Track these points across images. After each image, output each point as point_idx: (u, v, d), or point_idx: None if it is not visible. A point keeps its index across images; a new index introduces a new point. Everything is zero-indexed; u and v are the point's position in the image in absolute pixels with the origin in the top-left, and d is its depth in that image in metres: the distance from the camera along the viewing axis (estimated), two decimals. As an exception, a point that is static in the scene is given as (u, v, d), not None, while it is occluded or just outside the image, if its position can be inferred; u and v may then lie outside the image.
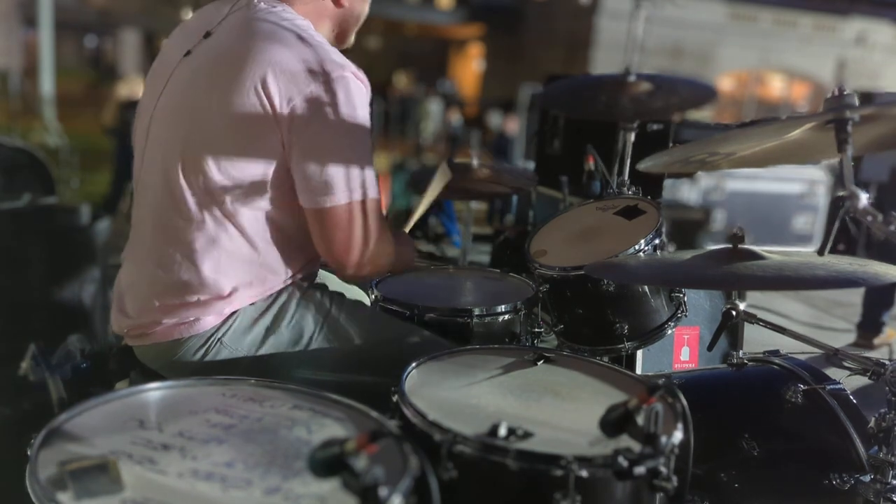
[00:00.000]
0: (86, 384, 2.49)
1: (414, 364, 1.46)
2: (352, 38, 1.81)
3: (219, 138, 1.53)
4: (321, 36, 1.62)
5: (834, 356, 1.60)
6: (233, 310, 1.61)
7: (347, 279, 1.84)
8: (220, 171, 1.53)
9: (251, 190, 1.55)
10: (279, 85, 1.49)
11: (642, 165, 1.76)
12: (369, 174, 1.58)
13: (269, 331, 1.62)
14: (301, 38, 1.55)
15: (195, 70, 1.59)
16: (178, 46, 1.66)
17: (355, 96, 1.53)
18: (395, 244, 1.71)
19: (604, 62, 17.76)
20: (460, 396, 1.37)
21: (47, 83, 9.90)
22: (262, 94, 1.49)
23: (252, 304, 1.62)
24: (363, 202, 1.57)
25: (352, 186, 1.54)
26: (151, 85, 1.69)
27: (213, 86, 1.54)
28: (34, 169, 4.56)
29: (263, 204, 1.57)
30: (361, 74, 1.57)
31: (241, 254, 1.58)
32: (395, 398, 1.32)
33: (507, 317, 1.94)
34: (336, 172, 1.53)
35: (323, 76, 1.50)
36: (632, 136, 2.25)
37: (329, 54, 1.55)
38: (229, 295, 1.59)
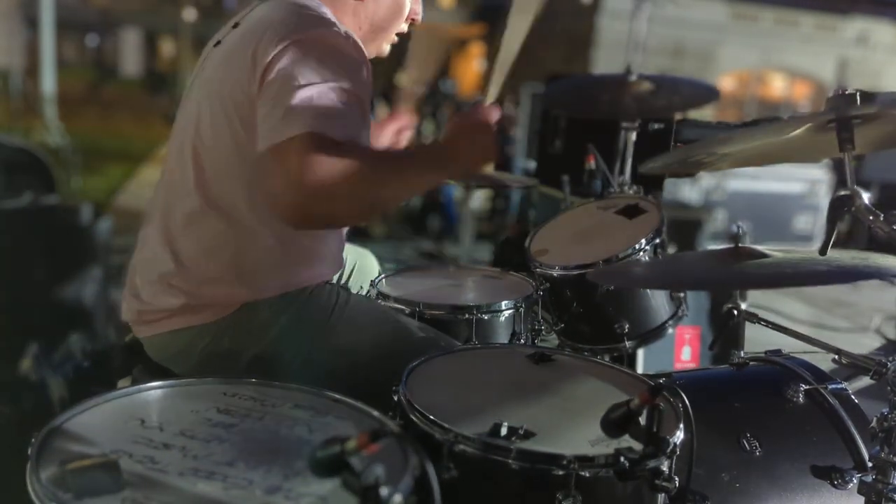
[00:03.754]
0: (86, 383, 2.50)
1: (415, 363, 1.45)
2: (385, 47, 1.77)
3: (224, 123, 1.53)
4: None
5: (836, 356, 1.59)
6: (241, 302, 1.60)
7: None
8: (226, 160, 1.54)
9: (254, 180, 1.52)
10: (265, 49, 1.45)
11: (645, 167, 1.76)
12: (326, 110, 1.38)
13: (275, 325, 1.62)
14: (301, 8, 1.53)
15: (218, 57, 1.61)
16: (213, 42, 1.70)
17: (329, 51, 1.45)
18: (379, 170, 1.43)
19: (605, 62, 17.73)
20: (461, 395, 1.37)
21: (49, 82, 9.88)
22: (252, 68, 1.47)
23: (260, 298, 1.62)
24: (304, 137, 1.34)
25: (285, 130, 1.36)
26: (188, 88, 1.72)
27: (229, 67, 1.55)
28: (35, 168, 4.57)
29: None
30: (352, 34, 1.52)
31: (254, 246, 1.58)
32: (396, 397, 1.32)
33: (507, 315, 1.94)
34: (280, 113, 1.38)
35: (300, 36, 1.44)
36: (633, 136, 2.25)
37: (314, 15, 1.50)
38: (241, 287, 1.59)
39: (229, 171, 1.55)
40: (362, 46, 1.54)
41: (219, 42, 1.67)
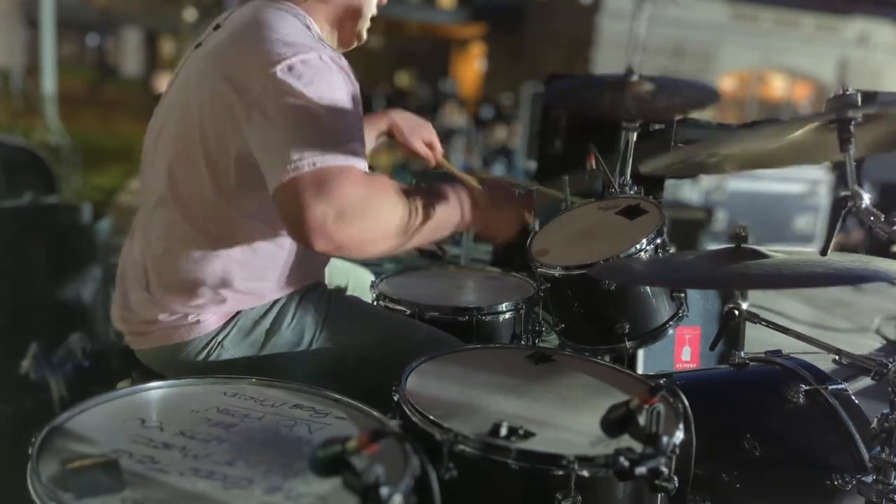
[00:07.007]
0: (87, 383, 2.50)
1: (415, 363, 1.46)
2: (363, 34, 1.72)
3: (209, 133, 1.51)
4: (316, 30, 1.58)
5: (836, 356, 1.59)
6: (234, 312, 1.60)
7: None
8: (216, 169, 1.52)
9: (246, 189, 1.52)
10: (247, 74, 1.45)
11: (645, 167, 1.75)
12: (332, 145, 1.39)
13: (270, 333, 1.62)
14: (284, 26, 1.50)
15: (199, 59, 1.59)
16: (195, 43, 1.68)
17: (317, 76, 1.43)
18: (415, 208, 1.47)
19: (605, 62, 17.72)
20: (461, 396, 1.37)
21: (49, 82, 9.87)
22: (232, 84, 1.46)
23: (252, 307, 1.62)
24: (320, 171, 1.36)
25: (304, 160, 1.36)
26: (168, 85, 1.70)
27: (206, 76, 1.53)
28: (36, 168, 4.56)
29: (261, 204, 1.52)
30: (333, 56, 1.49)
31: (245, 257, 1.57)
32: (395, 397, 1.32)
33: (508, 316, 1.94)
34: (285, 150, 1.38)
35: (288, 61, 1.42)
36: (633, 136, 2.25)
37: (301, 39, 1.48)
38: (231, 297, 1.58)
39: (220, 182, 1.53)
40: (337, 56, 1.51)
41: (199, 44, 1.64)
